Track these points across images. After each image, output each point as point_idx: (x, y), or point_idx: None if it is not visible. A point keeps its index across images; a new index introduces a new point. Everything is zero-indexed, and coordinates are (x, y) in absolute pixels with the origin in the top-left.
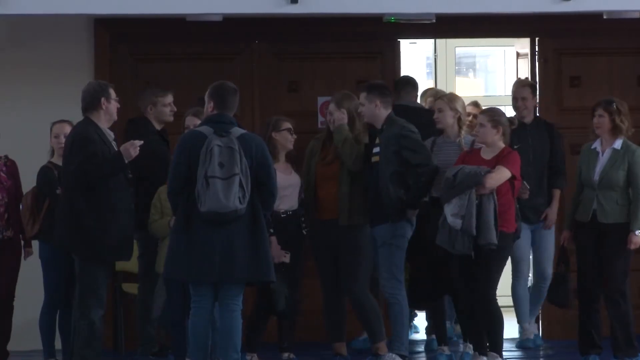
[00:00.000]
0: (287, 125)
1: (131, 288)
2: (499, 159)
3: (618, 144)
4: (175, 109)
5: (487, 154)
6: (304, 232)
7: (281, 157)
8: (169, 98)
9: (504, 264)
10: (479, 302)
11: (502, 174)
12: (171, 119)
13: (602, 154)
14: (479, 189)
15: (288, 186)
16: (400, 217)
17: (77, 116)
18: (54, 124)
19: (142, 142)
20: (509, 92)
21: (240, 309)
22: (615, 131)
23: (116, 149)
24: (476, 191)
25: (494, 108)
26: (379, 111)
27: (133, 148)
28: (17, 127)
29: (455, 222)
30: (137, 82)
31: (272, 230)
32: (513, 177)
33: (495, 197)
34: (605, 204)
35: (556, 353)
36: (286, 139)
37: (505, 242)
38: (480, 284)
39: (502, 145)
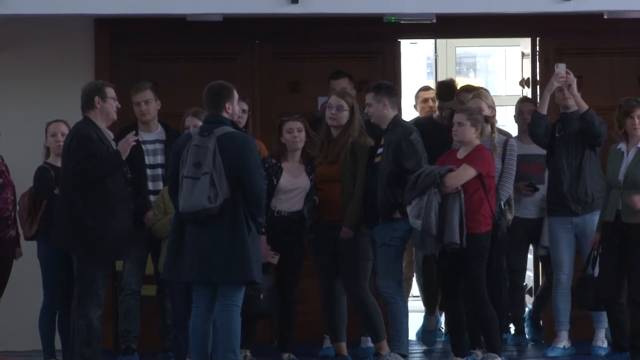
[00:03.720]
0: (288, 125)
1: None
2: (467, 158)
3: None
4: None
5: (461, 153)
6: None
7: (291, 157)
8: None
9: (482, 264)
10: (469, 305)
11: (464, 173)
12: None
13: (627, 154)
14: (443, 188)
15: (293, 189)
16: (388, 217)
17: (77, 116)
18: (49, 124)
19: (136, 135)
20: (510, 92)
21: (239, 309)
22: None
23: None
24: (442, 191)
25: (471, 107)
26: (387, 111)
27: (127, 143)
28: (16, 127)
29: (415, 223)
30: (137, 82)
31: (263, 230)
32: (480, 175)
33: (462, 196)
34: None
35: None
36: (287, 140)
37: (476, 242)
38: (466, 287)
39: (476, 143)
